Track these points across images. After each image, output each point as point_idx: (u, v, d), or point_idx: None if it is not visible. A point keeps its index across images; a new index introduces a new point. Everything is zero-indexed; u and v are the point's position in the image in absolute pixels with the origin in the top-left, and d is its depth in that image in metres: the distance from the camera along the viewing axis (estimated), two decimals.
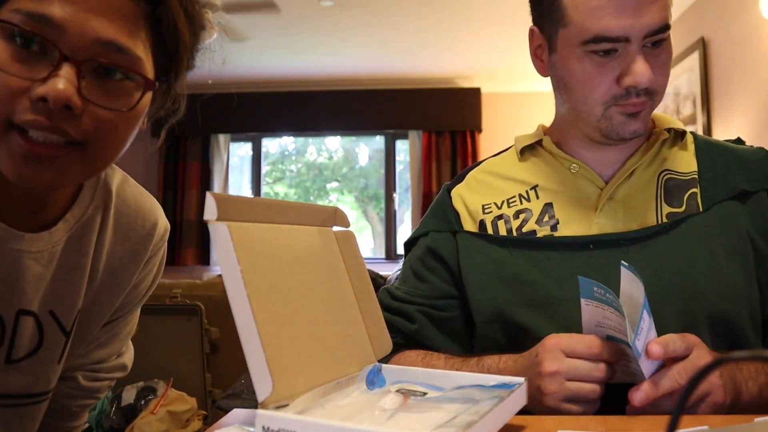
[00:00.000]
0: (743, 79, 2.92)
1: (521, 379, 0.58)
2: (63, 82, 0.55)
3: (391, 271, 2.46)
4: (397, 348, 0.88)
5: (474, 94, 5.16)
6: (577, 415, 0.66)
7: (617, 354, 0.65)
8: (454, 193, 0.95)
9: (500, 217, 0.89)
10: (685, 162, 0.87)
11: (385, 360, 0.87)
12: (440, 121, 5.16)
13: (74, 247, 0.71)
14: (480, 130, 5.16)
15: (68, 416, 0.82)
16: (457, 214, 0.93)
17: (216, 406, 2.08)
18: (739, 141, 0.92)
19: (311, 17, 3.98)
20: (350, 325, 0.60)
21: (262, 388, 0.45)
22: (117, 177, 0.77)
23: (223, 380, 2.48)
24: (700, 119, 3.25)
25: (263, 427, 0.44)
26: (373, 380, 0.58)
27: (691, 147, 0.88)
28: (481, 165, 0.99)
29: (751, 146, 0.90)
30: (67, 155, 0.58)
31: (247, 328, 0.46)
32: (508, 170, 0.94)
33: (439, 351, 0.88)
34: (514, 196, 0.90)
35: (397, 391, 0.57)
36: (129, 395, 2.38)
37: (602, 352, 0.65)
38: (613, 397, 0.73)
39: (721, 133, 3.11)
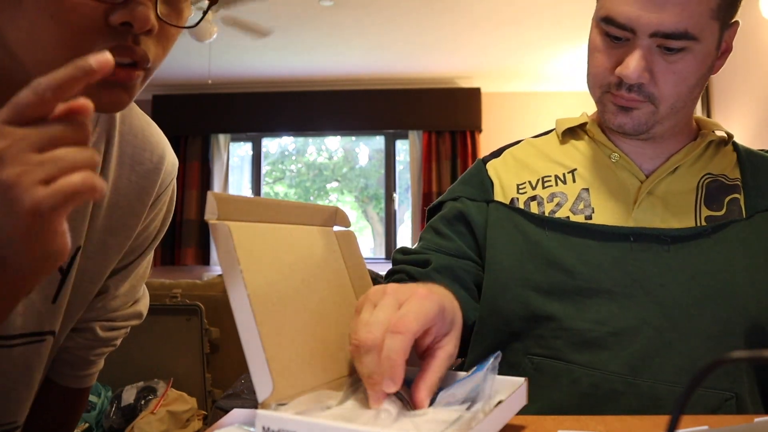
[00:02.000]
0: (743, 79, 2.92)
1: (521, 380, 0.57)
2: (145, 4, 0.53)
3: None
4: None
5: (474, 94, 5.16)
6: None
7: None
8: (489, 165, 0.93)
9: (533, 198, 0.86)
10: (728, 167, 0.85)
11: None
12: (440, 121, 5.16)
13: None
14: (480, 130, 5.16)
15: (86, 365, 0.79)
16: (492, 184, 0.90)
17: (216, 406, 2.08)
18: None
19: (311, 17, 3.98)
20: (350, 326, 0.60)
21: (262, 389, 0.45)
22: None
23: (223, 380, 2.48)
24: None
25: (263, 428, 0.44)
26: None
27: (733, 154, 0.87)
28: (519, 143, 0.96)
29: None
30: (137, 77, 0.57)
31: (248, 328, 0.46)
32: (548, 150, 0.92)
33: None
34: (550, 177, 0.87)
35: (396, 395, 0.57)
36: (129, 395, 2.38)
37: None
38: (612, 398, 0.73)
39: None
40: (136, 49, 0.54)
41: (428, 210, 0.97)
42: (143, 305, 0.83)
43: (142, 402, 2.36)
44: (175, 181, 0.79)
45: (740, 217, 0.80)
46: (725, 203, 0.81)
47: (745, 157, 0.86)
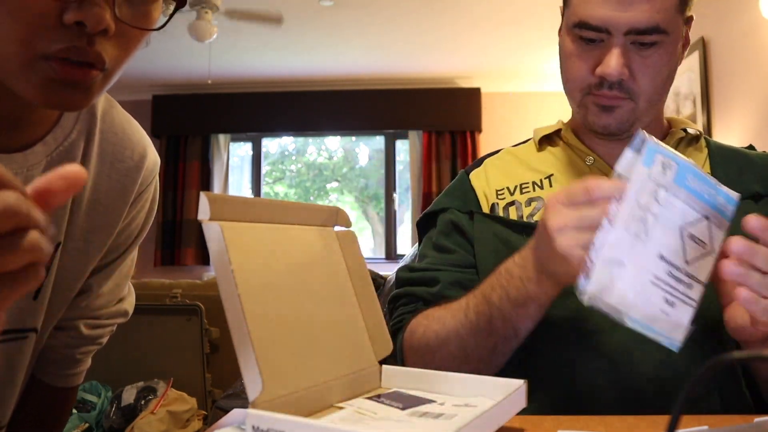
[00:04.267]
0: (743, 79, 2.92)
1: (520, 381, 0.57)
2: (100, 5, 0.52)
3: (391, 271, 2.45)
4: (416, 312, 0.86)
5: (474, 94, 5.16)
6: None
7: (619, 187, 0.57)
8: (472, 175, 0.95)
9: (512, 203, 0.88)
10: (700, 164, 0.86)
11: (406, 321, 0.85)
12: (440, 121, 5.16)
13: None
14: (480, 130, 5.16)
15: (73, 363, 0.79)
16: (475, 195, 0.92)
17: (216, 406, 2.08)
18: (751, 148, 0.92)
19: (311, 17, 3.98)
20: (350, 326, 0.60)
21: (252, 388, 0.45)
22: (103, 100, 0.72)
23: (223, 380, 2.48)
24: (700, 119, 3.25)
25: (253, 427, 0.44)
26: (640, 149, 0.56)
27: (705, 150, 0.89)
28: (498, 152, 0.99)
29: (763, 152, 0.90)
30: (95, 77, 0.56)
31: (238, 327, 0.46)
32: (525, 157, 0.94)
33: None
34: (528, 183, 0.90)
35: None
36: (129, 395, 2.38)
37: (600, 187, 0.58)
38: (594, 392, 0.73)
39: (721, 132, 3.11)
40: (89, 50, 0.54)
41: (417, 223, 0.99)
42: (129, 304, 0.83)
43: (142, 402, 2.36)
44: (157, 179, 0.79)
45: None
46: None
47: (716, 152, 0.88)
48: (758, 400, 0.76)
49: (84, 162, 0.68)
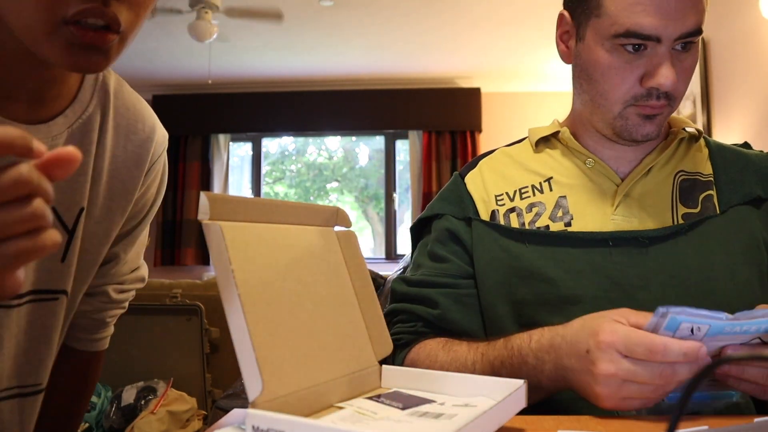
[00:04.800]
0: (743, 79, 2.92)
1: (520, 381, 0.57)
2: None
3: (391, 271, 2.46)
4: (417, 337, 0.85)
5: (474, 94, 5.16)
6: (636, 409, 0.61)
7: (689, 353, 0.55)
8: (468, 179, 0.93)
9: (512, 209, 0.87)
10: (700, 164, 0.86)
11: (406, 349, 0.85)
12: (440, 121, 5.16)
13: (75, 145, 0.69)
14: (480, 130, 5.16)
15: (102, 327, 0.86)
16: (472, 201, 0.90)
17: (216, 406, 2.08)
18: (746, 145, 0.91)
19: (312, 17, 3.98)
20: (350, 326, 0.60)
21: (253, 388, 0.45)
22: (113, 79, 0.78)
23: (223, 380, 2.48)
24: (700, 119, 3.25)
25: (253, 427, 0.44)
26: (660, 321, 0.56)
27: (705, 150, 0.88)
28: (493, 153, 0.97)
29: (761, 151, 0.89)
30: (111, 40, 0.60)
31: (239, 327, 0.46)
32: (522, 158, 0.92)
33: (466, 331, 0.83)
34: (527, 187, 0.88)
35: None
36: (129, 395, 2.38)
37: (666, 354, 0.55)
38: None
39: (721, 132, 3.11)
40: (105, 11, 0.57)
41: (411, 228, 0.97)
42: (144, 271, 0.92)
43: (142, 402, 2.36)
44: (166, 153, 0.85)
45: (715, 213, 0.81)
46: (700, 200, 0.83)
47: (716, 152, 0.87)
48: (758, 400, 0.76)
49: (101, 133, 0.74)
